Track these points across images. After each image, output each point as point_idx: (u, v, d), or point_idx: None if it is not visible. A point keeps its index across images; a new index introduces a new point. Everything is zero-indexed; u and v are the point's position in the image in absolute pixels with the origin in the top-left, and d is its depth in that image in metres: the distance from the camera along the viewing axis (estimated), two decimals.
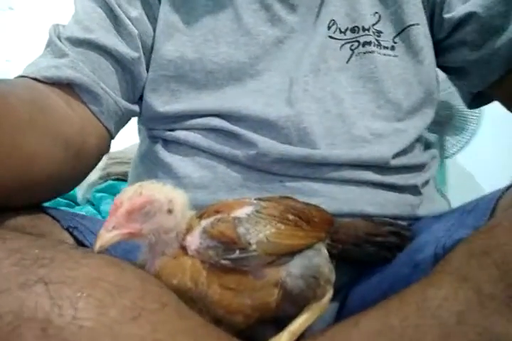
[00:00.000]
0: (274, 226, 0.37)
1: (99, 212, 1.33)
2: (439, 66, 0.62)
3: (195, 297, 0.36)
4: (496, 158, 1.58)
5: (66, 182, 0.50)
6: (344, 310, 0.47)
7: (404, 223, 0.51)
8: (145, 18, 0.56)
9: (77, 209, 1.39)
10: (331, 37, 0.56)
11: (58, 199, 1.48)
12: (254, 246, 0.36)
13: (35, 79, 0.49)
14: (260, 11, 0.56)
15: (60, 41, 0.52)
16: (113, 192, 1.34)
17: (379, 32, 0.56)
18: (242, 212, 0.37)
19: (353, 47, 0.56)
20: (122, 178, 1.39)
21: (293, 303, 0.38)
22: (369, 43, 0.56)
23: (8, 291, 0.28)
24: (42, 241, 0.34)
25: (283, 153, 0.52)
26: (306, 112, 0.53)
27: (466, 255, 0.34)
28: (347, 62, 0.56)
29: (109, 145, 0.57)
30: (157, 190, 0.36)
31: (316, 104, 0.54)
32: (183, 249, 0.37)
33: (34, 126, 0.43)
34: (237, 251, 0.35)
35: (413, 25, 0.57)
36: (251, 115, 0.53)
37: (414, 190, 0.55)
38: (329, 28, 0.56)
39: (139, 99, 0.59)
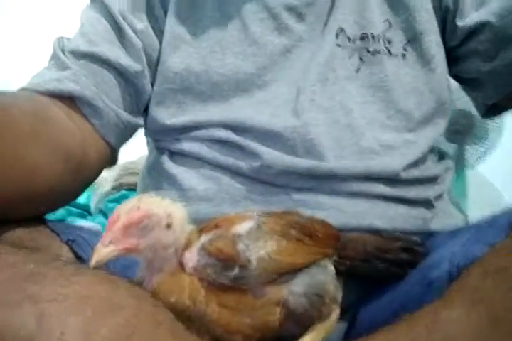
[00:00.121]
0: (276, 243, 0.36)
1: None
2: (452, 76, 0.60)
3: (193, 315, 0.34)
4: None
5: (66, 193, 0.49)
6: (353, 330, 0.45)
7: (416, 238, 0.49)
8: (150, 30, 0.56)
9: (89, 219, 1.40)
10: (339, 45, 0.55)
11: (71, 208, 1.49)
12: (254, 264, 0.34)
13: (37, 91, 0.49)
14: (268, 19, 0.55)
15: (64, 54, 0.52)
16: None
17: (389, 40, 0.55)
18: (242, 227, 0.36)
19: (362, 56, 0.54)
20: (135, 188, 1.38)
21: (296, 323, 0.37)
22: (378, 51, 0.54)
23: None
24: (37, 256, 0.33)
25: (288, 164, 0.50)
26: (312, 123, 0.52)
27: (482, 274, 0.33)
28: (356, 71, 0.54)
29: (112, 158, 0.57)
30: (155, 204, 0.35)
31: (323, 115, 0.53)
32: (182, 265, 0.36)
33: (36, 138, 0.43)
34: (237, 269, 0.34)
35: (425, 32, 0.55)
36: (256, 126, 0.52)
37: (427, 203, 0.53)
38: (337, 36, 0.55)
39: (144, 112, 0.59)
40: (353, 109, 0.53)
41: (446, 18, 0.57)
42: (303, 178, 0.51)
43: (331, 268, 0.40)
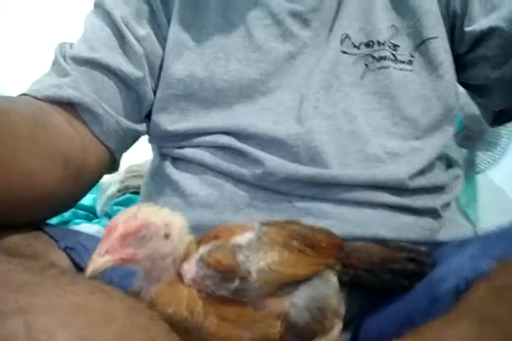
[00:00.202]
0: (277, 254, 0.35)
1: None
2: (459, 82, 0.59)
3: (191, 327, 0.34)
4: None
5: (65, 199, 0.49)
6: None
7: (423, 248, 0.48)
8: (153, 37, 0.56)
9: (94, 222, 1.40)
10: (343, 52, 0.54)
11: (77, 211, 1.49)
12: (254, 276, 0.34)
13: (37, 97, 0.49)
14: (272, 26, 0.55)
15: (65, 60, 0.52)
16: (131, 205, 1.33)
17: (395, 46, 0.54)
18: (242, 237, 0.35)
19: (367, 63, 0.54)
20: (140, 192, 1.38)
21: (298, 337, 0.36)
22: (384, 58, 0.53)
23: None
24: (31, 264, 0.33)
25: (291, 172, 0.50)
26: (316, 130, 0.51)
27: (490, 292, 0.32)
28: (361, 77, 0.53)
29: (113, 164, 0.56)
30: (154, 214, 0.35)
31: (327, 122, 0.52)
32: (180, 275, 0.35)
33: (35, 143, 0.43)
34: (236, 281, 0.33)
35: (432, 38, 0.54)
36: (259, 133, 0.52)
37: (434, 213, 0.52)
38: (342, 42, 0.54)
39: (147, 118, 0.58)
40: (357, 116, 0.52)
41: (454, 24, 0.56)
42: (306, 186, 0.50)
43: (334, 280, 0.39)
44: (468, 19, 0.54)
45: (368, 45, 0.54)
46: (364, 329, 0.45)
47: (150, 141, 0.61)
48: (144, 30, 0.55)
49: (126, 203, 1.37)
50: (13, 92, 0.51)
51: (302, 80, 0.53)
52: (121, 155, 0.57)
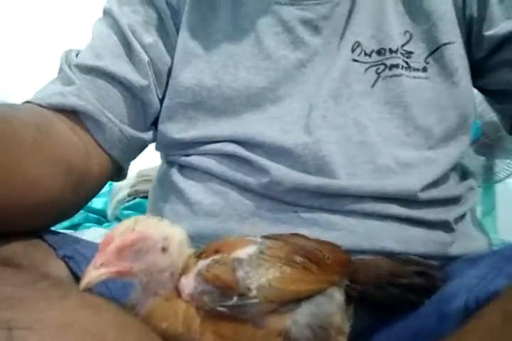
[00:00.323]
0: (279, 270, 0.34)
1: None
2: (477, 88, 0.57)
3: None
4: None
5: (67, 206, 0.49)
6: None
7: (434, 262, 0.46)
8: (161, 45, 0.55)
9: (104, 226, 1.40)
10: (354, 60, 0.52)
11: (89, 214, 1.50)
12: (254, 292, 0.32)
13: (40, 105, 0.49)
14: (283, 33, 0.54)
15: (70, 68, 0.52)
16: (140, 210, 1.34)
17: (409, 52, 0.53)
18: (243, 252, 0.34)
19: (378, 71, 0.52)
20: None
21: None
22: (396, 66, 0.52)
23: None
24: (20, 276, 0.32)
25: (297, 181, 0.49)
26: (324, 140, 0.50)
27: (500, 314, 0.30)
28: (372, 86, 0.52)
29: (118, 172, 0.56)
30: (152, 226, 0.34)
31: (335, 132, 0.51)
32: (178, 290, 0.34)
33: (38, 150, 0.43)
34: (235, 298, 0.32)
35: (448, 43, 0.52)
36: (266, 142, 0.51)
37: (446, 226, 0.50)
38: (353, 50, 0.53)
39: (153, 125, 0.58)
40: (367, 126, 0.51)
41: (471, 28, 0.54)
42: (313, 196, 0.49)
43: (339, 297, 0.37)
44: (487, 23, 0.52)
45: (379, 52, 0.52)
46: None
47: (157, 149, 0.61)
48: (152, 37, 0.55)
49: (135, 207, 1.38)
50: (17, 100, 0.51)
51: (312, 88, 0.52)
52: (128, 164, 0.57)
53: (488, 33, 0.52)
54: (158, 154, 0.65)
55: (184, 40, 0.55)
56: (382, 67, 0.52)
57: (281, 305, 0.34)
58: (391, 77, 0.52)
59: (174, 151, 0.57)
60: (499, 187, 1.56)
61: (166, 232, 0.34)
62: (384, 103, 0.52)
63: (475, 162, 1.43)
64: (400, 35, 0.53)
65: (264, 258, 0.34)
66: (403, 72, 0.52)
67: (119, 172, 0.57)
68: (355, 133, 0.51)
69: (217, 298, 0.32)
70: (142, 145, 0.58)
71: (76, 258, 0.41)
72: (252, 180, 0.50)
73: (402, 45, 0.53)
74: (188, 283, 0.33)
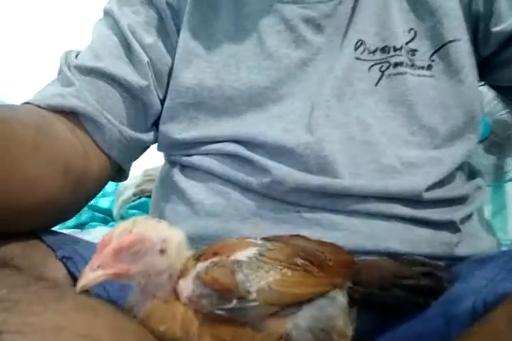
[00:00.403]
0: (279, 272, 0.33)
1: None
2: (488, 85, 0.56)
3: None
4: None
5: (66, 207, 0.48)
6: None
7: (440, 263, 0.45)
8: (161, 45, 0.55)
9: (110, 225, 1.41)
10: (358, 58, 0.52)
11: (95, 213, 1.51)
12: (254, 295, 0.32)
13: (39, 106, 0.49)
14: (285, 32, 0.53)
15: (69, 69, 0.52)
16: (146, 209, 1.34)
17: (414, 50, 0.52)
18: (242, 254, 0.33)
19: (382, 69, 0.51)
20: None
21: None
22: (401, 64, 0.51)
23: None
24: (16, 278, 0.32)
25: (299, 181, 0.48)
26: (327, 139, 0.49)
27: (506, 318, 0.29)
28: (376, 84, 0.51)
29: (118, 173, 0.56)
30: (150, 228, 0.33)
31: (338, 131, 0.50)
32: (176, 292, 0.33)
33: (38, 150, 0.42)
34: (234, 301, 0.31)
35: (454, 41, 0.51)
36: (268, 141, 0.50)
37: (451, 226, 0.49)
38: (356, 48, 0.52)
39: (154, 126, 0.58)
40: (371, 125, 0.50)
41: (477, 25, 0.53)
42: (315, 196, 0.48)
43: (341, 300, 0.36)
44: (495, 19, 0.51)
45: (383, 50, 0.52)
46: None
47: (159, 149, 0.60)
48: (152, 38, 0.54)
49: (141, 207, 1.38)
50: (17, 101, 0.51)
51: (314, 87, 0.52)
52: (128, 165, 0.57)
53: (496, 28, 0.51)
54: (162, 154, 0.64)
55: (185, 40, 0.55)
56: (386, 65, 0.51)
57: (282, 308, 0.33)
58: (395, 75, 0.51)
59: (176, 151, 0.56)
60: (509, 186, 1.54)
61: (165, 234, 0.33)
62: (388, 101, 0.51)
63: (485, 161, 1.41)
64: (404, 33, 0.52)
65: (264, 260, 0.33)
66: (407, 70, 0.51)
67: (120, 173, 0.56)
68: (359, 132, 0.50)
69: (216, 301, 0.32)
70: (142, 146, 0.57)
71: (74, 259, 0.41)
72: (253, 180, 0.50)
73: (407, 43, 0.52)
74: (187, 286, 0.32)
